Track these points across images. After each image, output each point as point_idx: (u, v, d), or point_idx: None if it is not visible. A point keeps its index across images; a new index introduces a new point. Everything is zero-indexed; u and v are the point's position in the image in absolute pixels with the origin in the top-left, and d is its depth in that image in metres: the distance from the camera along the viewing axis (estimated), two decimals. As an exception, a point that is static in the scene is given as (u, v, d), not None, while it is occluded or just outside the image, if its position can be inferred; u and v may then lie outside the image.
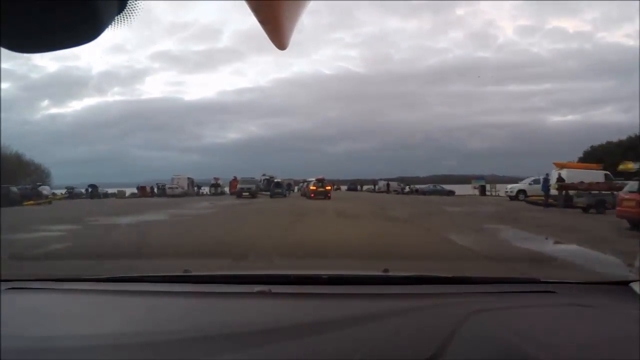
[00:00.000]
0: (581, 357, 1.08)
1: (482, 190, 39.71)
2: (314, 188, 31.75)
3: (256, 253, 6.83)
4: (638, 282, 1.54)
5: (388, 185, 51.46)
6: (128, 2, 0.69)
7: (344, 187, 57.08)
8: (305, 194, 33.97)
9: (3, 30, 0.62)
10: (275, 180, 37.67)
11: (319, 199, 29.60)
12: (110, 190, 44.93)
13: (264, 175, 41.02)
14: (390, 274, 1.87)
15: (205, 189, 46.26)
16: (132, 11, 0.70)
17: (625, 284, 1.58)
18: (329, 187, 32.76)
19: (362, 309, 1.42)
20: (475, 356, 1.08)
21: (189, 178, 44.59)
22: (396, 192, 48.20)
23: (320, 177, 33.72)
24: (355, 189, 56.55)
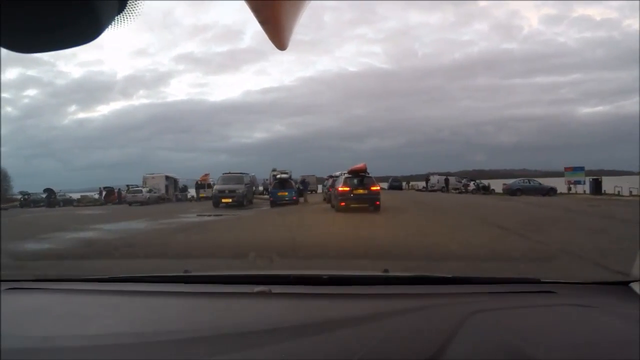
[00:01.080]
0: (581, 357, 1.08)
1: (597, 187, 28.31)
2: (347, 189, 16.20)
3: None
4: (638, 282, 1.53)
5: (447, 181, 37.77)
6: (128, 2, 0.69)
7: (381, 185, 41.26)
8: (331, 200, 18.67)
9: (3, 30, 0.62)
10: (280, 176, 23.32)
11: (357, 209, 15.47)
12: (75, 196, 36.31)
13: (274, 171, 28.30)
14: (390, 274, 1.87)
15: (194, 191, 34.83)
16: (132, 11, 0.70)
17: (625, 284, 1.58)
18: (377, 187, 16.79)
19: (362, 309, 1.42)
20: (475, 356, 1.08)
21: (167, 177, 33.74)
22: (458, 190, 35.67)
23: (360, 166, 17.24)
24: (399, 187, 43.72)
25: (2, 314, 1.36)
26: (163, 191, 32.43)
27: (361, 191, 16.28)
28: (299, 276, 1.78)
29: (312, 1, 1.19)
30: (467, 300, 1.48)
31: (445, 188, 37.16)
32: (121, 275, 1.91)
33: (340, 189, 16.55)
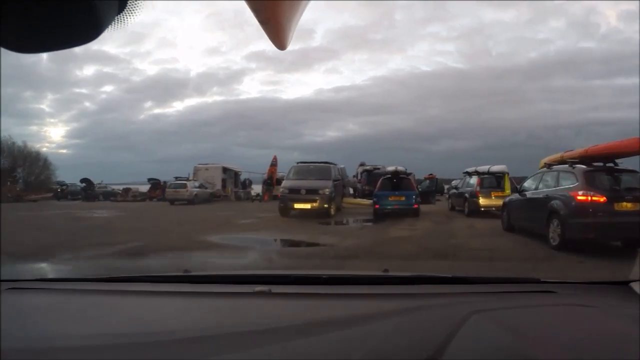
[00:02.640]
0: (581, 357, 1.08)
1: None
2: (602, 199, 7.13)
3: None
4: (638, 282, 1.54)
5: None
6: (128, 1, 0.69)
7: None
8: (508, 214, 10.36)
9: (3, 30, 0.62)
10: (396, 168, 15.24)
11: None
12: (117, 188, 31.34)
13: (362, 165, 21.89)
14: (390, 274, 1.87)
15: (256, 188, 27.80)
16: (133, 10, 0.70)
17: (625, 284, 1.58)
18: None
19: (362, 309, 1.42)
20: (475, 356, 1.08)
21: (225, 169, 27.27)
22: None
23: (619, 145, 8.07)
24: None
25: (2, 314, 1.36)
26: (218, 186, 25.58)
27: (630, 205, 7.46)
28: (299, 276, 1.79)
29: (314, 1, 1.19)
30: (467, 300, 1.48)
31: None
32: (121, 275, 1.92)
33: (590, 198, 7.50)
